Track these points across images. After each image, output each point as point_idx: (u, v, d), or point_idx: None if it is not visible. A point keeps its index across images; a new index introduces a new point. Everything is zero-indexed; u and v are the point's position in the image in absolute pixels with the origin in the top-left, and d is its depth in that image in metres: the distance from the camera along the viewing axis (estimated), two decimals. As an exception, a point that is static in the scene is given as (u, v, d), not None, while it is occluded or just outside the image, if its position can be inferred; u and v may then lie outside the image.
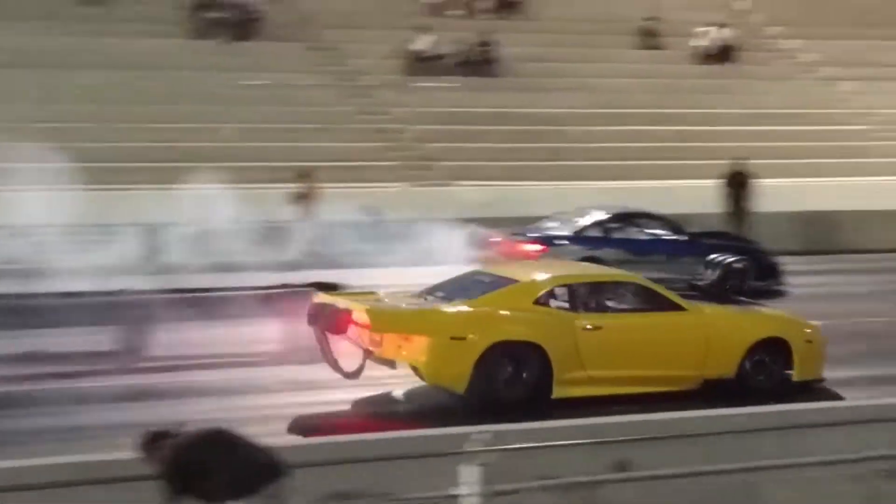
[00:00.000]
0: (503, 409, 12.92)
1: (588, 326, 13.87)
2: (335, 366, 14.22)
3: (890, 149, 31.74)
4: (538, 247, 20.54)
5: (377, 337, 13.48)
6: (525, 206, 23.68)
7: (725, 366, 14.27)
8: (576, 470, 9.85)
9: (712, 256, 17.23)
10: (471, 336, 13.46)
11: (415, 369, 13.61)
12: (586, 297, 14.29)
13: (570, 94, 31.72)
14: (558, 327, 13.78)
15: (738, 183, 25.78)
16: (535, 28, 34.37)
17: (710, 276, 16.64)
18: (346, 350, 14.00)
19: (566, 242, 20.84)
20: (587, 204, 21.99)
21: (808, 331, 14.80)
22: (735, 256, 17.10)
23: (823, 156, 30.93)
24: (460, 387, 13.41)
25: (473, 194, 25.99)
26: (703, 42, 34.74)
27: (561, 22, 34.57)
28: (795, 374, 14.42)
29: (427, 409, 13.64)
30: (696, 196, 23.63)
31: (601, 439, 10.19)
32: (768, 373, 14.37)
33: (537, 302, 13.97)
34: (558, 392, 13.58)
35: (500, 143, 29.62)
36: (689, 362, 14.20)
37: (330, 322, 13.91)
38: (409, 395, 14.19)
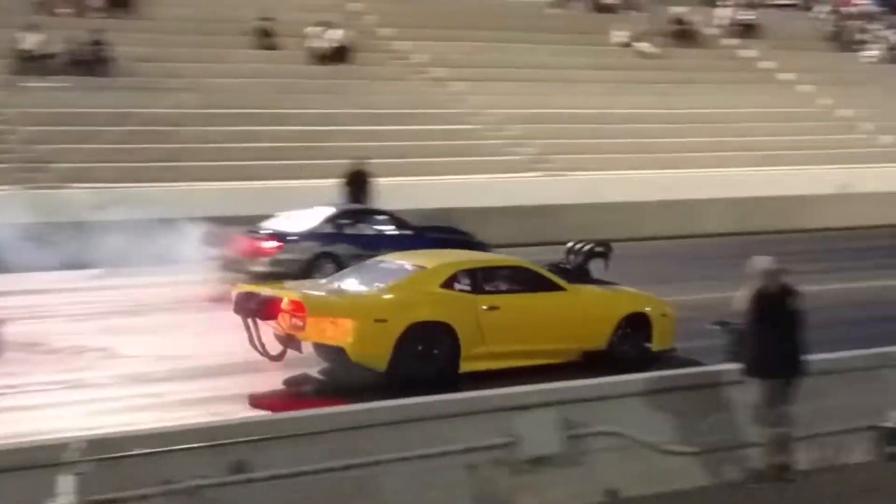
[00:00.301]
0: (418, 384, 13.66)
1: (486, 307, 15.42)
2: (263, 350, 15.42)
3: (499, 147, 32.94)
4: (274, 243, 21.27)
5: (299, 322, 14.71)
6: (145, 208, 23.42)
7: (599, 339, 16.03)
8: (195, 473, 9.76)
9: (572, 243, 19.12)
10: (391, 318, 14.82)
11: (340, 351, 14.72)
12: (484, 280, 15.81)
13: (185, 94, 31.24)
14: (463, 308, 15.31)
15: (357, 182, 26.10)
16: (148, 27, 33.74)
17: (574, 260, 18.76)
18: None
19: (299, 239, 21.52)
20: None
21: (665, 307, 16.59)
22: (593, 244, 19.08)
23: (438, 155, 31.72)
24: (382, 365, 14.76)
25: (89, 197, 25.34)
26: (317, 43, 34.99)
27: (174, 21, 34.12)
28: (654, 346, 16.22)
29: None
30: (319, 196, 23.94)
31: (218, 442, 10.12)
32: (632, 344, 16.15)
33: (444, 286, 15.46)
34: (465, 367, 15.13)
35: (116, 143, 28.87)
36: (572, 337, 15.91)
37: (259, 309, 15.05)
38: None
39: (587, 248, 18.95)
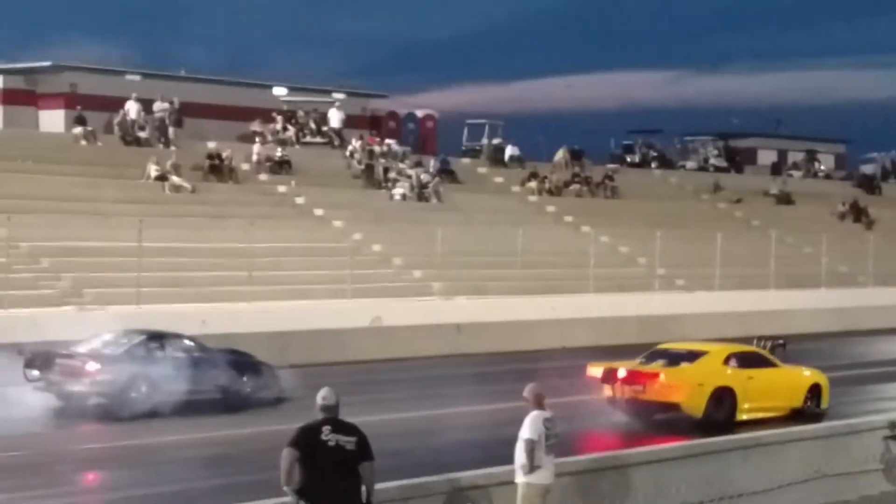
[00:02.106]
0: (717, 427, 21.88)
1: (748, 378, 23.80)
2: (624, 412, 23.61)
3: (31, 280, 31.61)
4: (97, 365, 23.11)
5: (640, 387, 22.95)
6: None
7: (799, 400, 24.94)
8: None
9: (758, 339, 27.08)
10: (706, 383, 23.27)
11: (674, 406, 23.08)
12: (745, 361, 24.37)
13: None
14: (737, 378, 23.74)
15: None
16: None
17: (766, 348, 26.34)
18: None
19: (117, 361, 23.31)
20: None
21: (825, 378, 25.57)
22: (777, 339, 27.55)
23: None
24: (699, 413, 23.16)
25: None
26: None
27: None
28: (823, 405, 25.23)
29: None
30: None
31: None
32: (814, 404, 25.08)
33: (724, 363, 24.07)
34: (738, 416, 23.45)
35: None
36: (787, 398, 24.56)
37: (627, 381, 23.09)
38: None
39: (776, 342, 27.06)
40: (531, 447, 13.24)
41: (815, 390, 24.98)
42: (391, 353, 31.51)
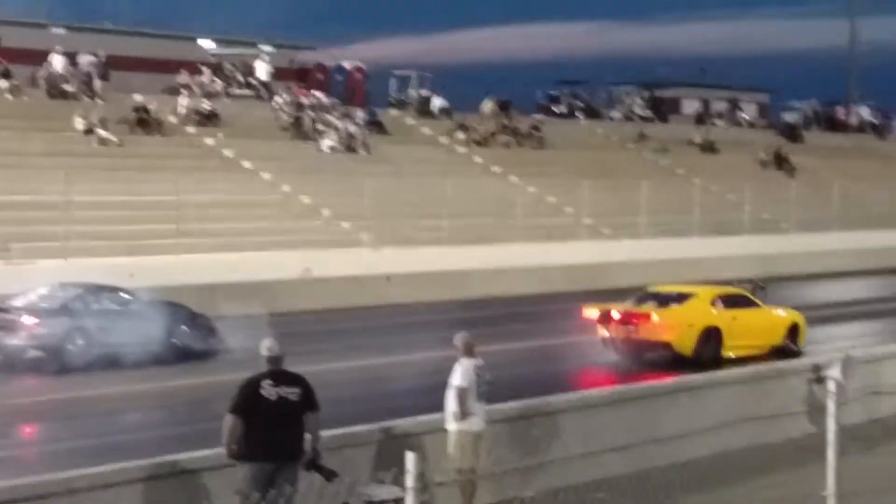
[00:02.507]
0: (706, 363, 23.35)
1: (732, 318, 25.16)
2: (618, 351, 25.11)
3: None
4: (34, 319, 23.27)
5: (634, 327, 24.57)
6: None
7: (779, 339, 26.20)
8: None
9: (741, 281, 29.18)
10: (695, 323, 24.72)
11: (664, 344, 24.59)
12: (730, 302, 25.62)
13: None
14: (723, 318, 25.11)
15: None
16: None
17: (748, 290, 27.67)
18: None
19: (53, 315, 23.39)
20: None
21: (802, 318, 27.00)
22: (759, 281, 29.88)
23: None
24: (689, 351, 24.54)
25: None
26: None
27: None
28: (800, 344, 26.42)
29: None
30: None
31: None
32: (792, 342, 26.39)
33: (711, 304, 25.43)
34: (724, 354, 24.68)
35: None
36: (768, 337, 25.85)
37: (621, 321, 24.71)
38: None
39: (757, 284, 29.07)
40: (462, 394, 13.48)
41: (793, 329, 26.28)
42: (322, 304, 31.66)
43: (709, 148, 58.92)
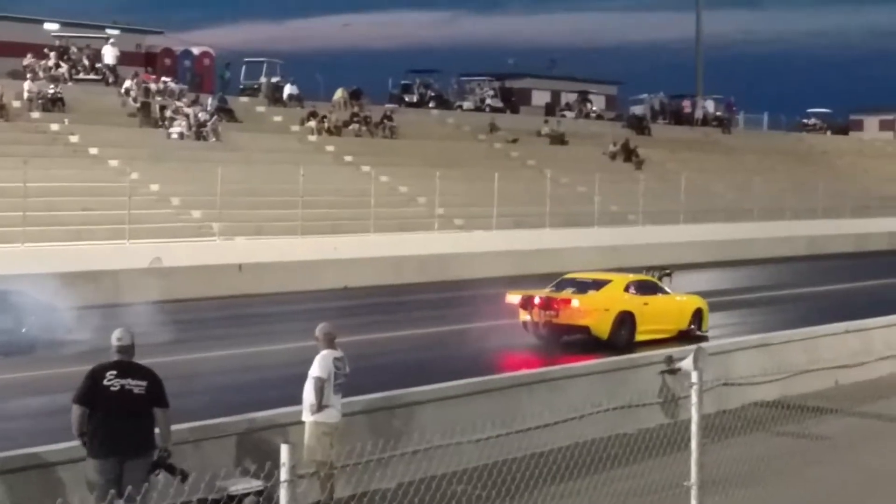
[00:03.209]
0: (620, 347, 24.48)
1: (644, 303, 26.41)
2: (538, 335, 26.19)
3: None
4: None
5: (554, 312, 25.55)
6: None
7: (685, 323, 27.32)
8: None
9: (647, 269, 30.41)
10: (611, 308, 25.77)
11: (582, 328, 25.73)
12: (641, 288, 26.88)
13: None
14: (636, 304, 26.29)
15: None
16: None
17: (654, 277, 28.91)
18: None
19: None
20: None
21: (705, 303, 28.37)
22: (664, 269, 31.27)
23: None
24: (605, 335, 25.66)
25: None
26: None
27: None
28: (704, 328, 27.81)
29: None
30: None
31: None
32: (696, 327, 27.58)
33: (625, 290, 26.54)
34: (637, 338, 25.78)
35: None
36: (675, 321, 27.11)
37: (542, 306, 25.63)
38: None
39: (664, 272, 30.19)
40: (320, 385, 13.32)
41: (697, 314, 27.58)
42: (171, 295, 31.15)
43: (558, 139, 59.53)
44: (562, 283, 27.02)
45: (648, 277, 28.36)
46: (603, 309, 25.72)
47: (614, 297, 26.16)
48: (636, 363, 18.50)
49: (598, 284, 26.70)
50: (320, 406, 13.32)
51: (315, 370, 13.42)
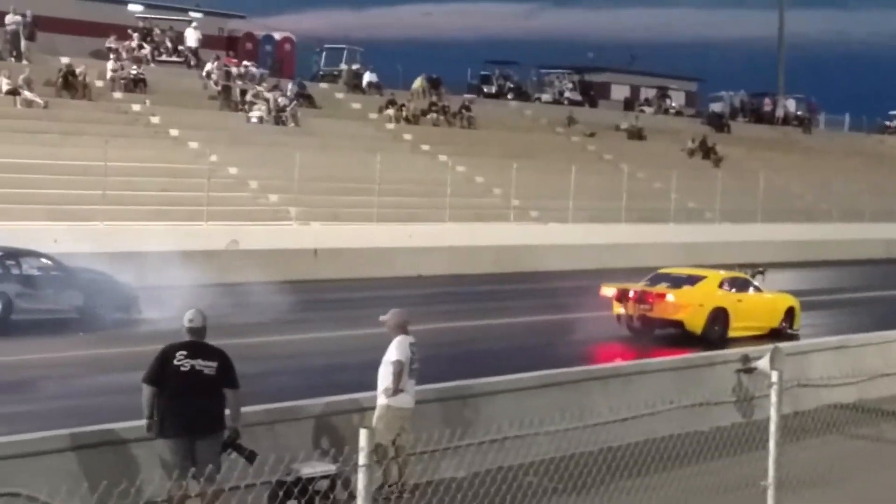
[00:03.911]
0: (714, 342, 24.71)
1: (738, 300, 26.65)
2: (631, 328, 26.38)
3: None
4: None
5: (649, 306, 25.82)
6: None
7: (777, 321, 27.63)
8: None
9: (739, 268, 29.80)
10: (705, 304, 26.01)
11: (677, 323, 25.96)
12: (735, 285, 27.13)
13: None
14: (730, 300, 26.49)
15: None
16: None
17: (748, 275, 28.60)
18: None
19: None
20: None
21: (797, 302, 28.39)
22: (758, 267, 31.38)
23: None
24: (699, 329, 25.82)
25: None
26: None
27: None
28: (796, 327, 28.03)
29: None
30: None
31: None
32: (788, 325, 28.01)
33: (719, 286, 26.84)
34: (730, 334, 25.89)
35: None
36: (768, 319, 27.40)
37: (637, 300, 25.86)
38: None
39: (757, 269, 30.29)
40: (399, 369, 13.33)
41: (790, 313, 27.82)
42: (247, 278, 31.33)
43: (636, 134, 59.19)
44: (656, 278, 27.23)
45: (742, 274, 28.42)
46: (697, 304, 25.94)
47: (709, 293, 26.39)
48: (712, 361, 18.34)
49: (692, 280, 26.94)
50: (395, 390, 13.33)
51: (393, 354, 13.44)
